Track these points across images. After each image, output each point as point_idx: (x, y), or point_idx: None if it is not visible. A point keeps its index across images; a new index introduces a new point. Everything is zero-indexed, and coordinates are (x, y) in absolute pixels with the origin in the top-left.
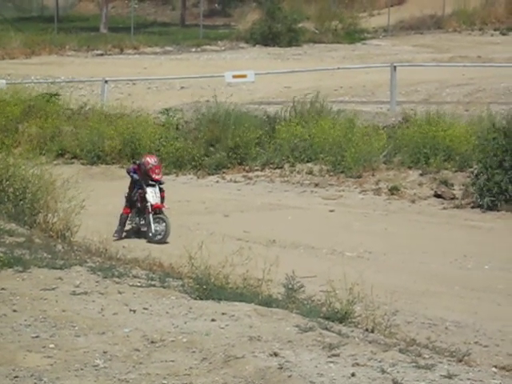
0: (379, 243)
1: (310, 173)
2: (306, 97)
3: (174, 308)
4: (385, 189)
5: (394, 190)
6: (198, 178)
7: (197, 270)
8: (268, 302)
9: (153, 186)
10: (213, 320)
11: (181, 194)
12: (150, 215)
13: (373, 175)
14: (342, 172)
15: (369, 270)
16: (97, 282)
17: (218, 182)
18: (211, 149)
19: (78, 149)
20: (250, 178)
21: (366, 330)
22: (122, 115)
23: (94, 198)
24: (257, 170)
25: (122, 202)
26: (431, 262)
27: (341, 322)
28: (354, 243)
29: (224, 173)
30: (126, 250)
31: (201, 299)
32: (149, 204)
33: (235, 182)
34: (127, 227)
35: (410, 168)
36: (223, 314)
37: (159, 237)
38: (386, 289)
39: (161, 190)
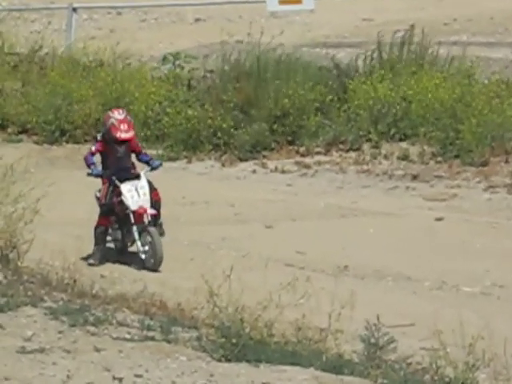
0: None
1: (405, 158)
2: (398, 35)
3: (184, 375)
4: None
5: None
6: (224, 165)
7: (222, 314)
8: (337, 366)
9: (133, 179)
10: None
11: (195, 192)
12: (134, 228)
13: (506, 162)
14: (456, 156)
15: (500, 316)
16: (60, 332)
17: (254, 171)
18: (244, 118)
19: (29, 117)
20: (308, 166)
21: None
22: (101, 65)
23: (55, 198)
24: (318, 152)
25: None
26: None
27: None
28: (475, 271)
29: (265, 157)
30: (106, 282)
31: (228, 361)
32: (129, 211)
33: (283, 171)
34: (107, 245)
35: None
36: None
37: (149, 263)
38: None
39: (151, 188)
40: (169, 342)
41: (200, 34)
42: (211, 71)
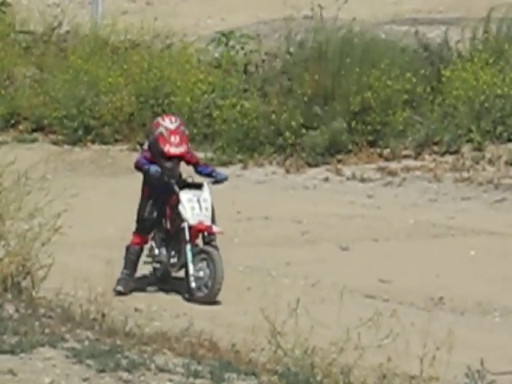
0: None
1: None
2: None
3: None
4: None
5: None
6: (288, 171)
7: (287, 358)
8: None
9: (195, 187)
10: None
11: (253, 205)
12: (188, 247)
13: None
14: None
15: None
16: (85, 380)
17: (327, 179)
18: (315, 113)
19: (46, 112)
20: (393, 173)
21: None
22: (135, 46)
23: (78, 212)
24: (407, 156)
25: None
26: None
27: None
28: None
29: (340, 162)
30: (142, 317)
31: None
32: (185, 225)
33: (362, 180)
34: (144, 269)
35: None
36: None
37: (201, 293)
38: None
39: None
40: None
41: (259, 8)
42: (273, 54)
